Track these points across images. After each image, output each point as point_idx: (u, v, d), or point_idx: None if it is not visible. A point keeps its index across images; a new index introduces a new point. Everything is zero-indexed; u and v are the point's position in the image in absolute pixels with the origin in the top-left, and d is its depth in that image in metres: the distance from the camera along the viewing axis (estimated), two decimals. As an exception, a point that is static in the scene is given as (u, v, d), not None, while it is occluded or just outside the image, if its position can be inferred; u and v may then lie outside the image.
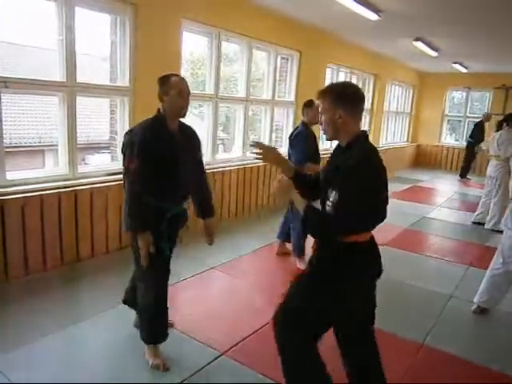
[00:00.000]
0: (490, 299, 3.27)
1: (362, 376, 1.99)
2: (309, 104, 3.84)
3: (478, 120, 10.11)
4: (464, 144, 11.76)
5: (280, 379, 2.16)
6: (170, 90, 2.27)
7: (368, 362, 1.98)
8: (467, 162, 10.22)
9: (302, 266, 3.91)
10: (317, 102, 3.84)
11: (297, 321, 1.84)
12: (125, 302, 2.78)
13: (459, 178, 10.24)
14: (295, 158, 3.83)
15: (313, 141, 3.96)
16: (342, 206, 1.67)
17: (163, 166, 2.26)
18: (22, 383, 2.21)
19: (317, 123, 3.91)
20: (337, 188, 1.70)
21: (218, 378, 2.36)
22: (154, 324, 2.44)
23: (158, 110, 2.35)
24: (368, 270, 1.83)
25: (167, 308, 2.48)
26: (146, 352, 2.45)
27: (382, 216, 1.81)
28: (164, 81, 2.31)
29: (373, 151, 1.78)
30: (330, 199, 1.72)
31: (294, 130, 4.05)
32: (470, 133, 10.16)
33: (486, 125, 9.74)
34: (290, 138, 4.01)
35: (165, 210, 2.32)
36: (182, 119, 2.42)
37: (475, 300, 3.34)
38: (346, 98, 1.76)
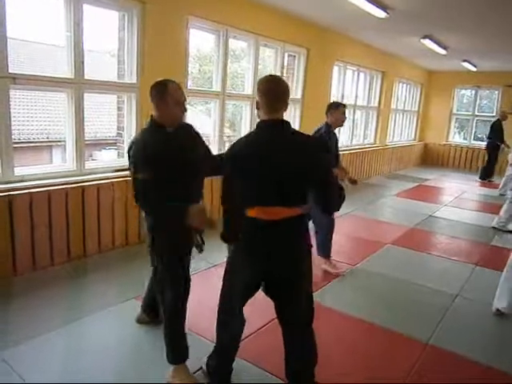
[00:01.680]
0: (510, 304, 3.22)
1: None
2: (334, 105, 3.78)
3: (494, 119, 9.68)
4: (472, 143, 11.66)
5: (284, 376, 2.17)
6: (168, 98, 2.12)
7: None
8: (489, 164, 9.71)
9: (329, 268, 3.86)
10: (342, 104, 3.81)
11: None
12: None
13: (479, 180, 9.81)
14: None
15: (335, 144, 3.86)
16: None
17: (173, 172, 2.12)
18: (31, 383, 2.23)
19: (340, 125, 3.88)
20: None
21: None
22: (183, 336, 2.32)
23: (152, 116, 2.20)
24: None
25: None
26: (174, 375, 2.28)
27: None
28: (160, 88, 2.14)
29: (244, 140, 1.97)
30: None
31: (317, 130, 3.83)
32: (488, 133, 9.61)
33: (504, 123, 9.39)
34: None
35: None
36: None
37: (496, 305, 3.28)
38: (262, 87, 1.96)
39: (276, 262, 1.96)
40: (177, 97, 2.15)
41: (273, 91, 1.93)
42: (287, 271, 1.99)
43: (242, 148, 1.95)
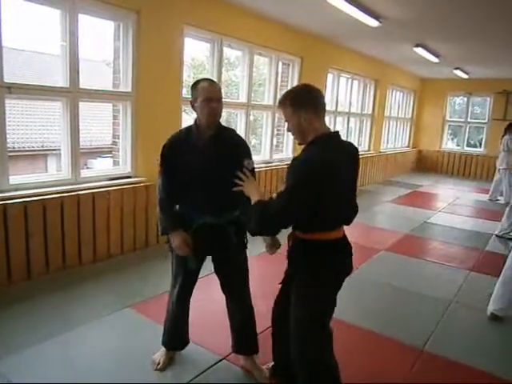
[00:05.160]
0: (508, 307, 3.25)
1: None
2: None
3: None
4: (465, 149, 11.73)
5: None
6: (198, 96, 2.16)
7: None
8: None
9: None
10: None
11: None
12: None
13: None
14: None
15: None
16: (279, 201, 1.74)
17: (186, 174, 2.19)
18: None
19: None
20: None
21: (220, 381, 2.37)
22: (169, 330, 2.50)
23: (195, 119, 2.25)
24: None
25: (184, 320, 2.53)
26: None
27: (335, 215, 1.86)
28: (193, 87, 2.21)
29: (323, 151, 1.73)
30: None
31: None
32: None
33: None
34: None
35: (189, 219, 2.23)
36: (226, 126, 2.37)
37: (491, 308, 3.31)
38: (304, 99, 1.80)
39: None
40: None
41: (322, 99, 1.83)
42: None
43: (325, 169, 1.70)
